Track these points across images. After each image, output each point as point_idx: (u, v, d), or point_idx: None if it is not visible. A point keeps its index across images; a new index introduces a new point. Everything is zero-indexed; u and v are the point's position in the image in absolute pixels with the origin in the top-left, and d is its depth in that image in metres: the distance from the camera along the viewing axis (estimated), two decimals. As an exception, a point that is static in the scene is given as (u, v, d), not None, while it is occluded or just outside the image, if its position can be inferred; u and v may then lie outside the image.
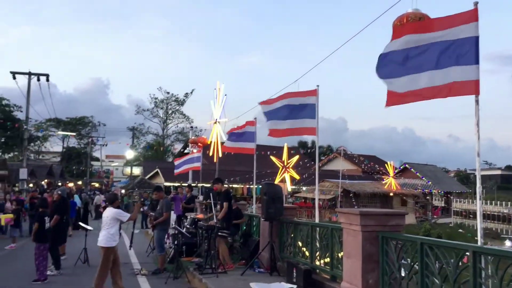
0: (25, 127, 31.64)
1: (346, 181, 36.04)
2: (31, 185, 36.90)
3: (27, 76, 30.14)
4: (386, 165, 39.19)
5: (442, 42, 5.66)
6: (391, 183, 36.85)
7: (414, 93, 5.75)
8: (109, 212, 8.23)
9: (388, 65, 5.97)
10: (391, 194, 37.43)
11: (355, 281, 6.40)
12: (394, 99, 5.92)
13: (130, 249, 12.40)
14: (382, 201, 36.35)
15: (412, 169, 44.47)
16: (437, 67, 5.68)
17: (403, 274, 5.90)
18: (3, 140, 49.77)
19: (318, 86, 9.59)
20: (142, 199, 22.86)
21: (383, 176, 40.05)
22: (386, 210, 7.74)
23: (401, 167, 45.59)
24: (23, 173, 29.28)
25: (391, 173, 37.33)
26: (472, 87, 5.42)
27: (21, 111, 46.60)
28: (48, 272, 9.56)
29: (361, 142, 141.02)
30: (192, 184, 19.56)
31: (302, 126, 9.63)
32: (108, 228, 8.05)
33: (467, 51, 5.48)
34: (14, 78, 29.30)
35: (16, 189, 28.54)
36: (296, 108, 9.67)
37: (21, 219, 16.42)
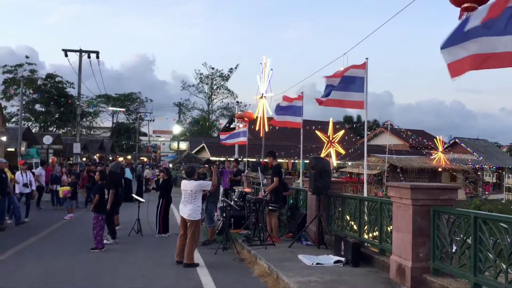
0: (77, 103, 32.84)
1: (393, 156, 35.41)
2: (84, 159, 38.43)
3: (77, 53, 31.13)
4: (434, 139, 38.18)
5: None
6: (440, 158, 35.95)
7: (480, 57, 5.14)
8: (190, 185, 8.38)
9: (452, 37, 5.48)
10: (440, 169, 36.54)
11: (405, 254, 6.40)
12: (459, 66, 5.36)
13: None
14: (430, 177, 35.55)
15: (462, 144, 43.14)
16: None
17: (454, 249, 5.86)
18: (57, 116, 51.90)
19: (367, 59, 9.45)
20: (217, 163, 23.14)
21: (431, 151, 39.08)
22: (438, 184, 7.60)
23: (451, 142, 44.31)
24: (77, 148, 30.52)
25: (440, 148, 36.38)
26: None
27: (73, 88, 48.36)
28: (105, 241, 10.04)
29: (408, 116, 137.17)
30: (238, 159, 19.80)
31: (350, 99, 9.53)
32: (194, 201, 8.29)
33: None
34: (66, 55, 30.29)
35: (70, 162, 29.82)
36: (345, 80, 9.56)
37: (77, 191, 17.18)
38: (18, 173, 14.44)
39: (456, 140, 44.29)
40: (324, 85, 10.23)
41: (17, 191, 14.05)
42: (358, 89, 9.49)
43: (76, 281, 7.09)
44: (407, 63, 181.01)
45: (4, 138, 30.47)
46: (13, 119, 48.89)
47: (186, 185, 8.46)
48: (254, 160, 24.01)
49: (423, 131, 53.50)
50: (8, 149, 30.70)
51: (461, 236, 5.71)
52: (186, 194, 8.39)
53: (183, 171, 30.23)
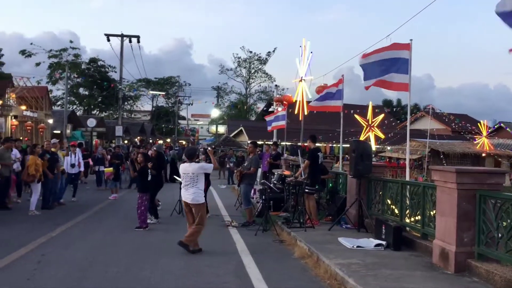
0: (119, 87, 33.61)
1: (436, 141, 34.57)
2: (126, 141, 39.40)
3: (119, 38, 31.74)
4: (478, 124, 37.00)
5: None
6: (483, 143, 34.84)
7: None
8: (191, 168, 7.96)
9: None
10: (484, 154, 35.43)
11: (449, 239, 6.31)
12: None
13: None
14: (473, 162, 34.53)
15: (507, 129, 41.60)
16: None
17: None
18: (100, 99, 53.29)
19: (411, 40, 9.21)
20: (213, 146, 23.40)
21: (475, 136, 37.92)
22: (485, 168, 7.43)
23: (495, 127, 42.77)
24: (119, 130, 31.36)
25: (484, 132, 35.21)
26: None
27: (115, 72, 49.45)
28: (148, 221, 10.34)
29: (450, 100, 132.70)
30: (277, 142, 19.83)
31: (393, 80, 9.34)
32: (197, 183, 7.88)
33: None
34: (108, 40, 30.99)
35: (113, 144, 30.67)
36: (388, 61, 9.38)
37: (120, 173, 17.68)
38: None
39: (501, 124, 42.75)
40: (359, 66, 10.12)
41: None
42: (402, 70, 9.27)
43: (121, 257, 7.36)
44: (449, 45, 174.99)
45: (51, 121, 31.65)
46: (59, 103, 50.55)
47: (187, 168, 8.00)
48: (293, 143, 23.98)
49: (466, 115, 51.92)
50: (54, 131, 31.86)
51: (508, 221, 5.59)
52: (187, 178, 7.92)
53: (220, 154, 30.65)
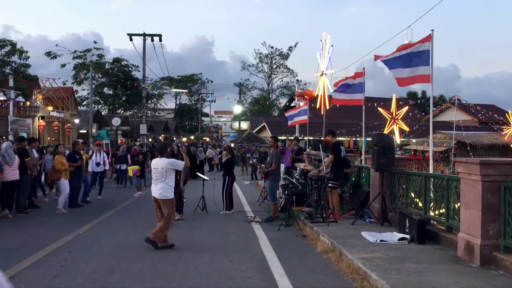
0: (142, 85, 33.99)
1: (462, 133, 33.92)
2: (150, 139, 39.88)
3: (141, 37, 32.06)
4: (506, 114, 36.12)
5: None
6: (512, 133, 34.03)
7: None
8: (161, 163, 7.90)
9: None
10: (512, 145, 34.60)
11: (474, 232, 6.22)
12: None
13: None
14: (501, 153, 33.75)
15: (537, 118, 40.49)
16: None
17: None
18: (124, 98, 54.01)
19: (432, 30, 9.07)
20: (187, 145, 23.48)
21: (502, 127, 37.04)
22: (509, 159, 7.26)
23: (525, 117, 41.69)
24: (143, 129, 31.74)
25: (512, 123, 34.39)
26: None
27: (138, 71, 49.97)
28: (172, 217, 10.46)
29: (476, 90, 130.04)
30: (299, 137, 19.78)
31: (415, 74, 9.22)
32: (165, 179, 7.81)
33: None
34: (131, 39, 31.32)
35: (137, 143, 31.07)
36: (410, 56, 9.26)
37: (145, 170, 17.91)
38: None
39: (531, 114, 41.64)
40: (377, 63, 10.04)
41: (89, 169, 14.88)
42: (423, 62, 9.14)
43: (146, 253, 7.47)
44: (474, 35, 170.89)
45: (77, 121, 32.25)
46: (84, 103, 51.37)
47: (157, 163, 7.94)
48: (315, 138, 23.89)
49: (493, 106, 50.76)
50: (81, 131, 32.45)
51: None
52: (157, 172, 7.86)
53: (242, 151, 30.72)
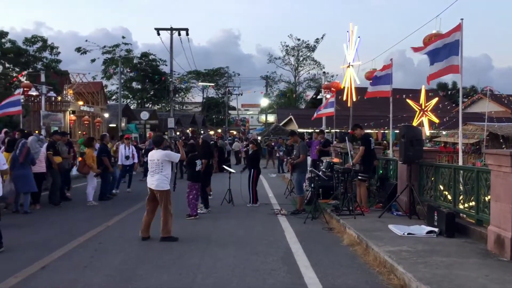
0: (170, 79, 34.34)
1: (495, 124, 33.04)
2: (178, 133, 40.29)
3: (169, 32, 32.32)
4: (542, 105, 35.03)
5: None
6: (548, 125, 32.96)
7: None
8: (157, 155, 8.03)
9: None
10: (548, 137, 33.53)
11: (505, 225, 6.07)
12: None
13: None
14: (536, 145, 32.77)
15: None
16: None
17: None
18: (152, 92, 54.73)
19: (462, 19, 8.84)
20: (183, 138, 23.44)
21: (538, 118, 35.93)
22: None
23: (560, 107, 40.35)
24: (171, 122, 32.08)
25: (549, 113, 33.32)
26: None
27: (165, 65, 50.55)
28: (199, 211, 10.56)
29: (509, 80, 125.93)
30: (326, 130, 19.66)
31: (445, 65, 9.01)
32: (161, 171, 7.94)
33: None
34: (158, 34, 31.62)
35: (166, 136, 31.45)
36: (441, 48, 9.05)
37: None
38: (121, 146, 15.43)
39: None
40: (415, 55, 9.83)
41: (119, 162, 15.10)
42: (452, 52, 8.93)
43: (173, 245, 7.57)
44: (506, 23, 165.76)
45: (106, 115, 32.89)
46: (113, 97, 52.33)
47: (153, 154, 8.10)
48: (342, 130, 23.70)
49: (528, 96, 49.20)
50: (110, 125, 33.08)
51: None
52: (153, 164, 8.01)
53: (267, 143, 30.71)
